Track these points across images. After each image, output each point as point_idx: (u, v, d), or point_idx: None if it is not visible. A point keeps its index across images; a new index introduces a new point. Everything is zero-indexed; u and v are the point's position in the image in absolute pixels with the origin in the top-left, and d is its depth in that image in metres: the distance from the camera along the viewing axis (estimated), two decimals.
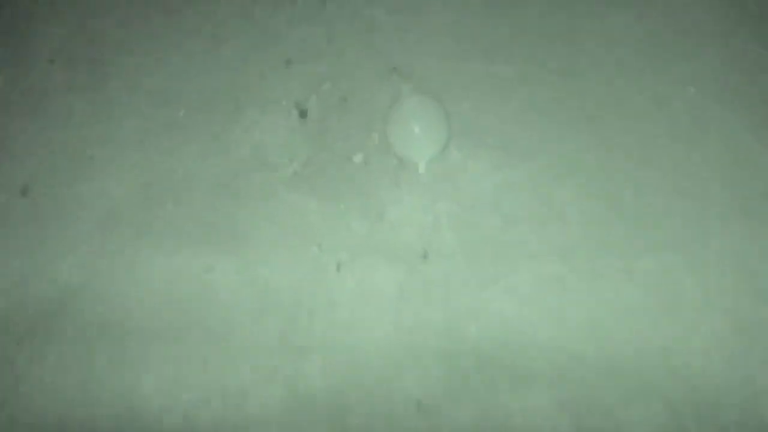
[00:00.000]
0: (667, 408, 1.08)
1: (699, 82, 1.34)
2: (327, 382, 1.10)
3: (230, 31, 1.49)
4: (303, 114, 1.35)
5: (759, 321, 1.12)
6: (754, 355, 1.11)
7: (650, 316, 1.14)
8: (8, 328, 1.18)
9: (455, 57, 1.41)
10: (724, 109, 1.30)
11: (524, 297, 1.16)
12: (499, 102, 1.35)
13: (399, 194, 1.25)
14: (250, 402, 1.12)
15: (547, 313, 1.15)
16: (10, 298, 1.20)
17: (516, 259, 1.19)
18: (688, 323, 1.13)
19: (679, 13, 1.41)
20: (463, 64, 1.40)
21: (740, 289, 1.15)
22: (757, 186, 1.22)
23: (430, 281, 1.18)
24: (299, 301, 1.17)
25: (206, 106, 1.38)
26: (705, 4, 1.41)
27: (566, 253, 1.19)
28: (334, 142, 1.32)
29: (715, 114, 1.30)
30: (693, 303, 1.14)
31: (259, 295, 1.18)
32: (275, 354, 1.12)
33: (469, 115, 1.33)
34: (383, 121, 1.30)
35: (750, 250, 1.17)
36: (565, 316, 1.15)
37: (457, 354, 1.13)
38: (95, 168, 1.32)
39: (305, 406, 1.11)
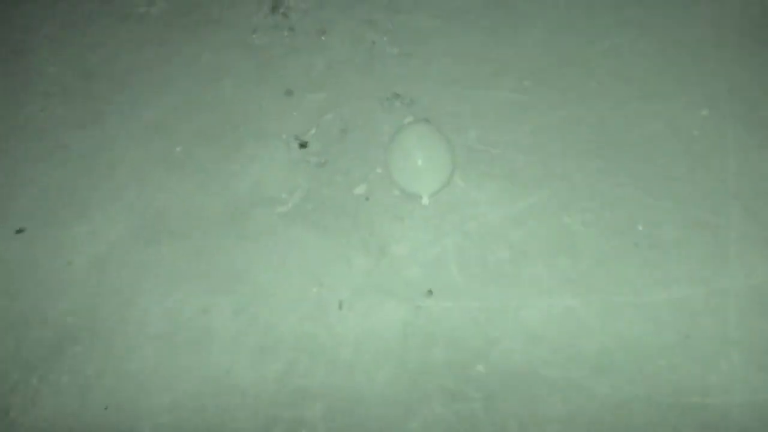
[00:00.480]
0: None
1: (712, 103, 1.29)
2: (329, 427, 1.06)
3: (228, 62, 1.47)
4: (303, 146, 1.32)
5: None
6: None
7: (665, 352, 1.08)
8: (2, 376, 1.14)
9: (459, 83, 1.38)
10: (739, 132, 1.26)
11: (534, 333, 1.11)
12: (506, 129, 1.31)
13: (402, 228, 1.21)
14: None
15: (557, 350, 1.10)
16: (4, 343, 1.17)
17: (525, 294, 1.14)
18: (704, 359, 1.07)
19: (689, 34, 1.37)
20: (467, 91, 1.37)
21: (760, 322, 1.09)
22: None
23: (435, 319, 1.13)
24: (300, 343, 1.12)
25: (204, 141, 1.35)
26: (715, 24, 1.36)
27: (577, 286, 1.14)
28: (335, 175, 1.28)
29: (730, 138, 1.25)
30: (710, 338, 1.09)
31: (258, 337, 1.13)
32: (275, 400, 1.08)
33: (474, 144, 1.29)
34: (385, 153, 1.26)
35: None
36: (576, 353, 1.10)
37: (465, 395, 1.07)
38: (91, 208, 1.29)
39: None
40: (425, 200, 1.22)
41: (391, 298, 1.15)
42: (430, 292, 1.15)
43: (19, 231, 1.27)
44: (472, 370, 1.09)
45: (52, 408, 1.10)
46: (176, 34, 1.53)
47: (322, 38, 1.49)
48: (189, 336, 1.14)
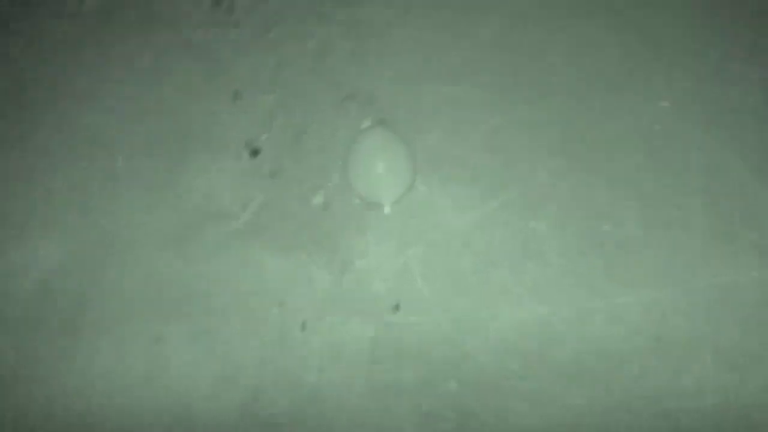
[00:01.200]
0: None
1: (672, 95, 1.26)
2: None
3: (170, 62, 1.37)
4: (255, 154, 1.24)
5: (751, 356, 1.05)
6: (747, 392, 1.03)
7: (637, 357, 1.06)
8: None
9: (417, 80, 1.32)
10: (700, 124, 1.23)
11: (506, 345, 1.08)
12: (467, 129, 1.25)
13: (364, 240, 1.15)
14: None
15: (530, 361, 1.07)
16: None
17: (494, 304, 1.11)
18: (676, 362, 1.06)
19: (648, 25, 1.33)
20: (425, 88, 1.30)
21: (729, 322, 1.07)
22: (739, 208, 1.15)
23: (404, 336, 1.09)
24: (262, 370, 1.07)
25: (147, 152, 1.26)
26: (678, 17, 1.33)
27: (546, 293, 1.11)
28: (290, 185, 1.21)
29: (692, 133, 1.23)
30: (681, 340, 1.07)
31: (217, 366, 1.07)
32: None
33: (434, 146, 1.24)
34: (343, 159, 1.20)
35: (737, 280, 1.09)
36: (549, 363, 1.07)
37: (438, 415, 1.04)
38: (27, 232, 1.19)
39: None
40: (387, 209, 1.16)
41: (357, 316, 1.10)
42: (396, 307, 1.10)
43: None
44: (444, 387, 1.05)
45: None
46: (112, 33, 1.42)
47: (270, 34, 1.40)
48: (142, 368, 1.07)
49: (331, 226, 1.17)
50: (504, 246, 1.14)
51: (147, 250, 1.16)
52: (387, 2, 1.42)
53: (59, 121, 1.30)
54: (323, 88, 1.32)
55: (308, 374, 1.06)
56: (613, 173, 1.19)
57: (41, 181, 1.24)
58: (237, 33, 1.40)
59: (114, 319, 1.11)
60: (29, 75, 1.39)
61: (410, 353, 1.07)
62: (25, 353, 1.09)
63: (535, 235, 1.15)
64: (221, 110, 1.30)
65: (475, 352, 1.07)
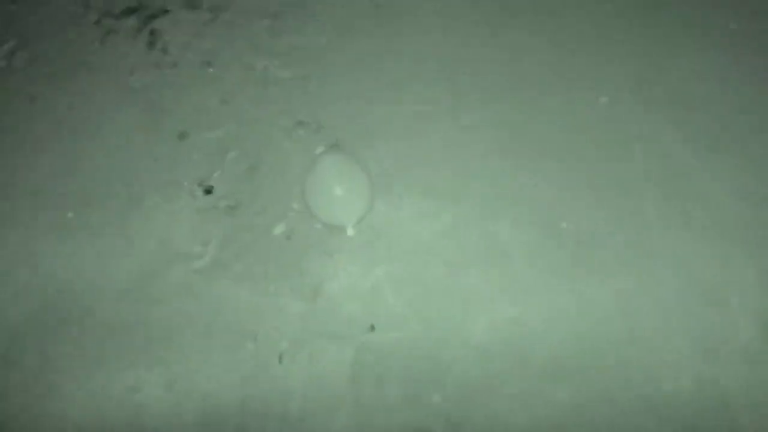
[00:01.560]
0: None
1: (609, 91, 1.31)
2: None
3: (108, 110, 1.34)
4: (209, 192, 1.23)
5: (723, 336, 1.09)
6: (723, 372, 1.07)
7: (613, 348, 1.09)
8: None
9: (361, 100, 1.33)
10: (640, 117, 1.28)
11: (484, 350, 1.09)
12: (417, 143, 1.27)
13: (332, 264, 1.15)
14: None
15: (510, 363, 1.08)
16: None
17: (467, 310, 1.12)
18: (651, 350, 1.09)
19: (582, 25, 1.38)
20: (371, 108, 1.32)
21: (697, 303, 1.11)
22: (689, 190, 1.20)
23: (383, 354, 1.08)
24: (244, 407, 1.04)
25: (97, 201, 1.22)
26: (608, 14, 1.39)
27: (516, 294, 1.13)
28: (250, 218, 1.20)
29: (631, 121, 1.27)
30: (653, 326, 1.10)
31: (198, 409, 1.04)
32: None
33: (388, 163, 1.25)
34: (300, 186, 1.19)
35: (699, 261, 1.14)
36: (529, 363, 1.08)
37: (426, 430, 1.03)
38: None
39: None
40: (350, 231, 1.16)
41: (334, 341, 1.09)
42: (372, 327, 1.10)
43: None
44: (429, 401, 1.05)
45: None
46: (45, 86, 1.38)
47: (210, 70, 1.39)
48: (120, 419, 1.04)
49: (297, 254, 1.16)
50: (470, 251, 1.16)
51: (108, 300, 1.12)
52: (317, 29, 1.43)
53: (2, 181, 1.26)
54: (271, 118, 1.32)
55: (292, 405, 1.05)
56: (563, 171, 1.23)
57: None
58: (176, 73, 1.39)
59: (86, 373, 1.07)
60: None
61: (391, 371, 1.07)
62: None
63: (496, 239, 1.17)
64: (169, 152, 1.28)
65: (455, 362, 1.08)
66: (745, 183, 1.19)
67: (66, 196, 1.23)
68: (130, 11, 1.47)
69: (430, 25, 1.42)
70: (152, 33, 1.44)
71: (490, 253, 1.16)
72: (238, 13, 1.46)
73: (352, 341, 1.09)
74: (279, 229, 1.18)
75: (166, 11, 1.46)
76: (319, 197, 1.16)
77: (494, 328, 1.10)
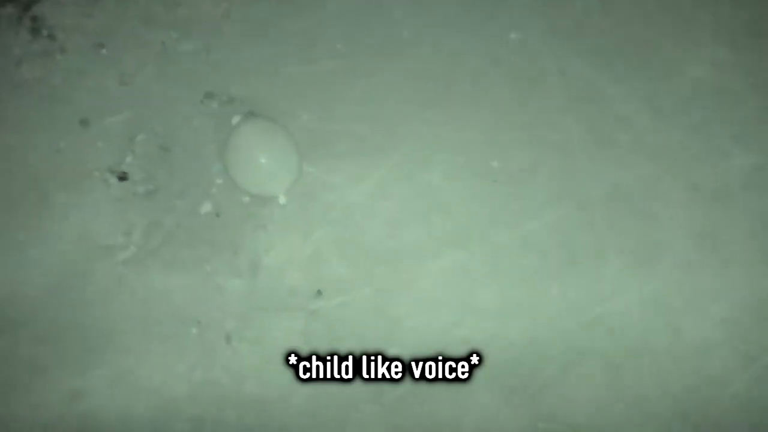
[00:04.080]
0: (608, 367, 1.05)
1: (518, 25, 1.31)
2: None
3: (1, 103, 1.23)
4: (123, 178, 1.15)
5: (657, 249, 1.12)
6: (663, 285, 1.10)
7: (556, 280, 1.11)
8: None
9: (271, 65, 1.27)
10: (551, 44, 1.28)
11: (432, 300, 1.08)
12: (336, 100, 1.23)
13: (267, 236, 1.10)
14: None
15: (459, 309, 1.08)
16: None
17: (413, 264, 1.10)
18: (593, 277, 1.11)
19: None
20: (282, 71, 1.27)
21: (630, 221, 1.14)
22: (612, 122, 1.22)
23: (334, 319, 1.06)
24: (198, 396, 1.00)
25: (3, 207, 1.12)
26: None
27: (459, 239, 1.12)
28: (172, 200, 1.14)
29: (545, 53, 1.28)
30: (592, 252, 1.12)
31: (148, 406, 0.99)
32: None
33: (310, 125, 1.20)
34: (222, 160, 1.13)
35: (627, 181, 1.16)
36: (476, 307, 1.08)
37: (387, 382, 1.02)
38: None
39: None
40: (282, 199, 1.12)
41: (281, 313, 1.05)
42: (319, 292, 1.07)
43: None
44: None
45: None
46: None
47: (103, 51, 1.29)
48: (66, 429, 0.97)
49: (228, 231, 1.11)
50: (406, 206, 1.14)
51: (36, 308, 1.04)
52: (215, 2, 1.36)
53: None
54: (177, 93, 1.24)
55: (247, 386, 1.01)
56: (486, 112, 1.22)
57: None
58: (67, 59, 1.28)
59: (22, 389, 0.99)
60: None
61: (344, 335, 1.05)
62: None
63: (431, 187, 1.16)
64: (72, 142, 1.19)
65: (407, 316, 1.06)
66: (661, 104, 1.22)
67: None
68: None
69: None
70: (34, 19, 1.32)
71: (428, 203, 1.14)
72: None
73: (300, 311, 1.05)
74: (206, 208, 1.13)
75: None
76: (244, 169, 1.11)
77: (440, 278, 1.09)
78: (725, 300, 1.08)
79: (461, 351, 1.04)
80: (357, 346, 1.04)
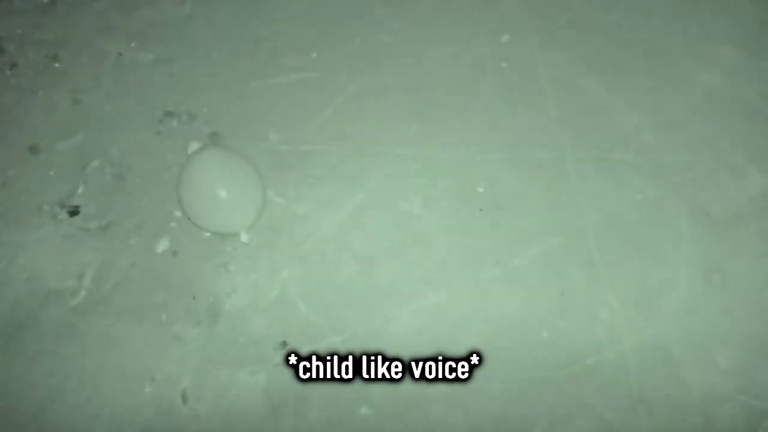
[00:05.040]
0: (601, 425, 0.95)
1: (510, 28, 1.19)
2: None
3: None
4: (74, 213, 1.06)
5: (660, 290, 1.01)
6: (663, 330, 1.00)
7: (546, 318, 1.01)
8: None
9: (236, 79, 1.19)
10: (543, 51, 1.16)
11: (410, 346, 0.98)
12: (306, 118, 1.13)
13: (228, 277, 1.01)
14: None
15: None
16: None
17: (387, 306, 1.01)
18: (585, 313, 1.00)
19: None
20: (248, 86, 1.16)
21: (623, 255, 1.03)
22: (603, 128, 1.10)
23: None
24: None
25: None
26: None
27: (438, 277, 1.02)
28: (126, 237, 1.04)
29: (537, 60, 1.16)
30: (582, 288, 1.02)
31: None
32: None
33: (277, 147, 1.10)
34: (179, 192, 1.03)
35: (621, 209, 1.05)
36: (459, 351, 0.98)
37: None
38: None
39: None
40: (244, 236, 1.02)
41: (242, 367, 0.96)
42: (284, 343, 0.97)
43: None
44: (356, 415, 0.94)
45: None
46: None
47: (56, 65, 1.19)
48: None
49: (187, 273, 1.02)
50: (381, 239, 1.04)
51: None
52: (177, 5, 1.25)
53: None
54: (135, 113, 1.14)
55: None
56: (472, 127, 1.11)
57: None
58: (17, 74, 1.19)
59: None
60: None
61: (312, 391, 0.95)
62: None
63: (410, 218, 1.06)
64: (20, 171, 1.10)
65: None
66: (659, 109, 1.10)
67: None
68: None
69: None
70: None
71: (405, 236, 1.04)
72: None
73: (263, 364, 0.96)
74: (162, 246, 1.03)
75: None
76: (201, 204, 1.01)
77: (418, 321, 1.00)
78: (734, 346, 0.97)
79: (435, 406, 0.95)
80: (326, 406, 0.95)
